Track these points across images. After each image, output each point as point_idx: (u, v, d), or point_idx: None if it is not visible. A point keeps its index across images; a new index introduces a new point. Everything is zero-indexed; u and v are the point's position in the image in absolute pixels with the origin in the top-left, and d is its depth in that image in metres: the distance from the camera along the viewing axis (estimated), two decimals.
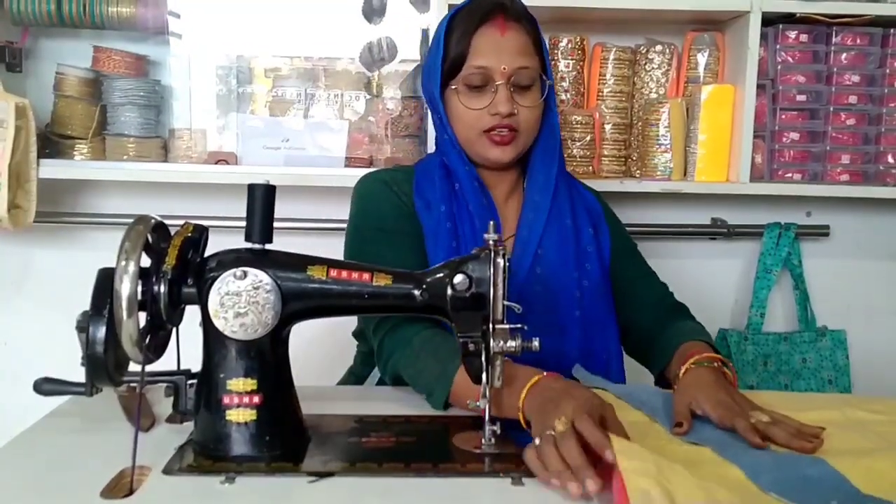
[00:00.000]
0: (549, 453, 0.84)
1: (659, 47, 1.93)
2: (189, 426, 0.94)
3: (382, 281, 0.95)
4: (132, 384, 0.90)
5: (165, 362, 0.93)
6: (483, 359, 0.93)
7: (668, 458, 0.82)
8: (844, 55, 1.88)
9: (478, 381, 0.94)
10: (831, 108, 1.88)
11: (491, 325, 0.92)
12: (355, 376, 1.41)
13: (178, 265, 0.88)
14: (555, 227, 1.35)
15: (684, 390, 1.07)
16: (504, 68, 1.26)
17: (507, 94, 1.26)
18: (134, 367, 0.88)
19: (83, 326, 0.85)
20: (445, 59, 1.28)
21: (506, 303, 0.93)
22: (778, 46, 1.86)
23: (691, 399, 1.03)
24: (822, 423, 1.00)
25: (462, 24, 1.28)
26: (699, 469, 0.85)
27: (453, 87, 1.29)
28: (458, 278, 0.93)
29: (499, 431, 0.94)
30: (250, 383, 0.90)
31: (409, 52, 1.92)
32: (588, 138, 1.89)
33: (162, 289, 0.87)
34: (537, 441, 0.87)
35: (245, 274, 0.88)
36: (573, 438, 0.84)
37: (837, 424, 1.01)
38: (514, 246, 1.33)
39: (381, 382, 1.28)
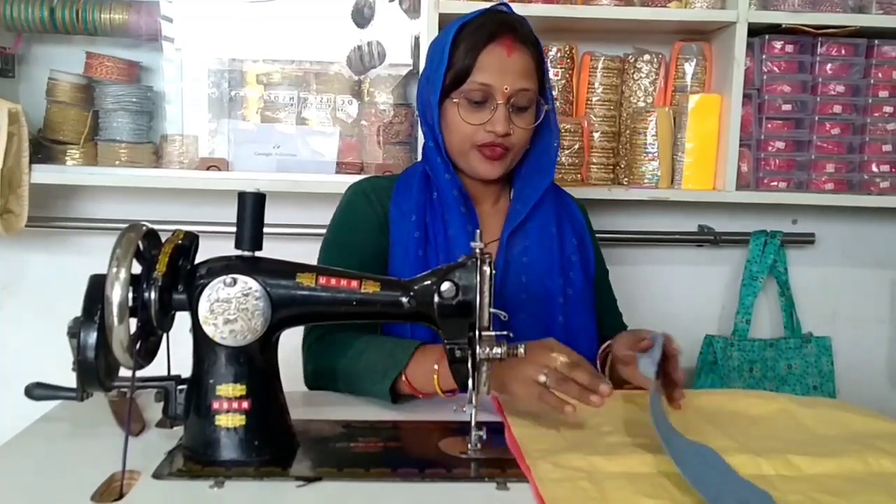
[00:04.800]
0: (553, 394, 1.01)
1: (647, 57, 1.96)
2: (179, 431, 0.95)
3: (371, 288, 0.96)
4: (122, 389, 0.91)
5: (155, 368, 0.94)
6: (469, 365, 0.95)
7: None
8: (829, 65, 1.91)
9: (464, 387, 0.95)
10: (816, 118, 1.91)
11: (477, 332, 0.94)
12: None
13: (168, 272, 0.89)
14: (540, 235, 1.37)
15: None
16: (506, 88, 1.28)
17: (505, 114, 1.28)
18: (124, 372, 0.89)
19: (74, 332, 0.86)
20: (448, 70, 1.30)
21: (492, 310, 0.95)
22: (764, 57, 1.88)
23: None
24: (842, 477, 0.90)
25: (470, 39, 1.29)
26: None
27: (454, 99, 1.30)
28: (445, 286, 0.94)
29: (485, 437, 0.95)
30: (239, 389, 0.91)
31: (400, 58, 1.93)
32: (576, 146, 1.91)
33: (152, 295, 0.88)
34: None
35: (235, 281, 0.90)
36: (568, 376, 1.02)
37: (859, 480, 0.90)
38: (498, 252, 1.36)
39: None
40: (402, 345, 1.19)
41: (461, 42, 1.29)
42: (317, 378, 1.26)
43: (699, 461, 0.89)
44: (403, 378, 1.13)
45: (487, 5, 1.61)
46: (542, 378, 1.03)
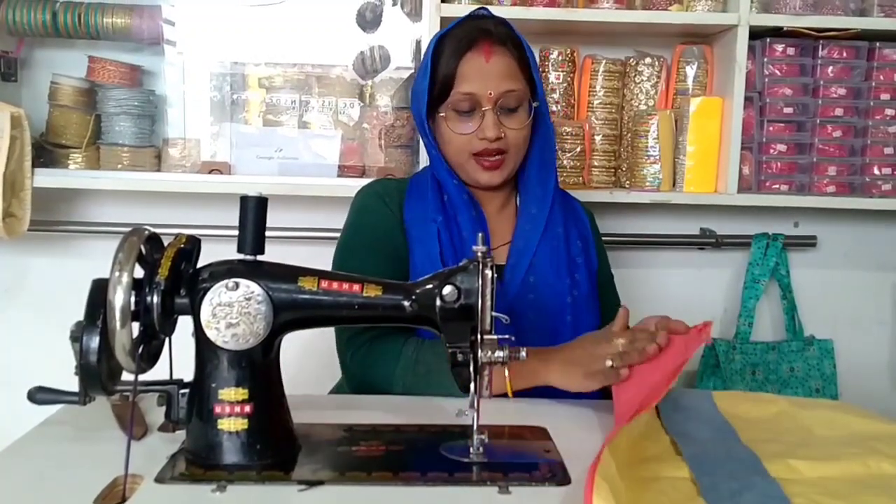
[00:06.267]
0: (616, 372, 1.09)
1: (648, 60, 1.96)
2: (181, 435, 0.95)
3: (373, 292, 0.96)
4: (125, 393, 0.91)
5: (158, 372, 0.94)
6: (471, 369, 0.95)
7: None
8: (831, 68, 1.91)
9: (466, 390, 0.95)
10: (818, 121, 1.91)
11: (479, 336, 0.94)
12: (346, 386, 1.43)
13: (170, 276, 0.89)
14: (547, 235, 1.38)
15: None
16: (490, 93, 1.28)
17: (494, 119, 1.28)
18: (127, 376, 0.89)
19: (77, 336, 0.86)
20: (432, 84, 1.30)
21: (494, 314, 0.95)
22: (765, 59, 1.88)
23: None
24: (843, 480, 0.91)
25: (448, 50, 1.30)
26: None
27: (441, 113, 1.31)
28: (447, 289, 0.94)
29: (486, 441, 0.95)
30: (241, 393, 0.91)
31: (402, 61, 1.93)
32: (578, 149, 1.91)
33: (155, 299, 0.88)
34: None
35: (237, 285, 0.90)
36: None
37: (860, 482, 0.91)
38: (509, 256, 1.36)
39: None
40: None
41: (441, 55, 1.30)
42: (363, 385, 1.26)
43: (727, 460, 0.92)
44: None
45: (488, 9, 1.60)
46: (609, 363, 1.10)
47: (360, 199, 1.40)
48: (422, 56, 1.80)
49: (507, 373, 1.10)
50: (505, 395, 1.13)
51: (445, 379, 1.12)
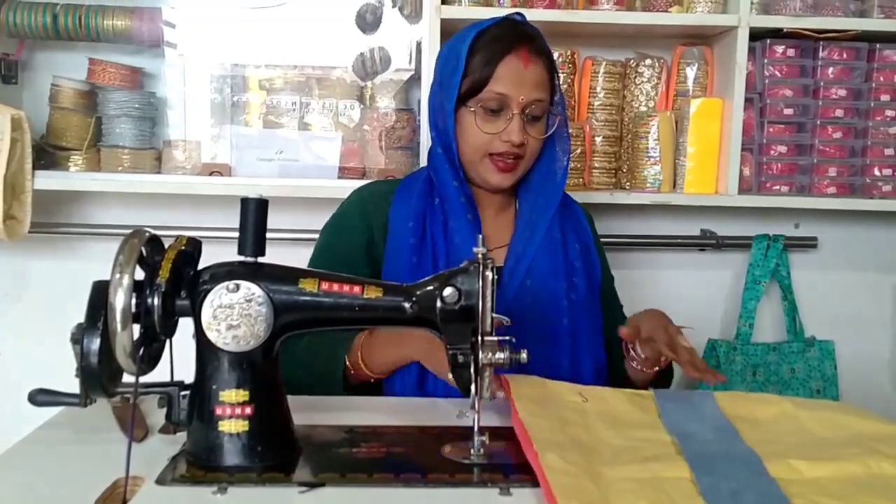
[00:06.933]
0: None
1: (648, 61, 1.96)
2: (182, 437, 0.95)
3: (373, 294, 0.96)
4: (126, 395, 0.91)
5: (159, 373, 0.94)
6: (472, 371, 0.95)
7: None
8: (831, 69, 1.91)
9: (467, 392, 0.95)
10: (818, 122, 1.91)
11: (480, 338, 0.94)
12: None
13: (171, 278, 0.89)
14: (545, 239, 1.38)
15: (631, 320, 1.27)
16: (522, 99, 1.29)
17: (521, 124, 1.30)
18: (127, 378, 0.89)
19: (78, 338, 0.86)
20: (465, 77, 1.31)
21: (494, 315, 0.95)
22: (765, 61, 1.89)
23: (637, 323, 1.25)
24: (843, 480, 0.90)
25: (487, 49, 1.30)
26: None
27: (471, 108, 1.31)
28: (448, 291, 0.94)
29: (487, 442, 0.95)
30: (242, 394, 0.91)
31: (402, 63, 1.93)
32: (578, 151, 1.91)
33: (156, 301, 0.88)
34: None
35: (238, 287, 0.90)
36: None
37: (860, 483, 0.90)
38: (507, 259, 1.36)
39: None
40: (339, 340, 1.26)
41: (478, 51, 1.30)
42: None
43: (727, 462, 0.92)
44: (351, 364, 1.23)
45: (489, 11, 1.61)
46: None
47: (345, 205, 1.42)
48: (423, 58, 1.81)
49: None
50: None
51: (334, 387, 1.23)
